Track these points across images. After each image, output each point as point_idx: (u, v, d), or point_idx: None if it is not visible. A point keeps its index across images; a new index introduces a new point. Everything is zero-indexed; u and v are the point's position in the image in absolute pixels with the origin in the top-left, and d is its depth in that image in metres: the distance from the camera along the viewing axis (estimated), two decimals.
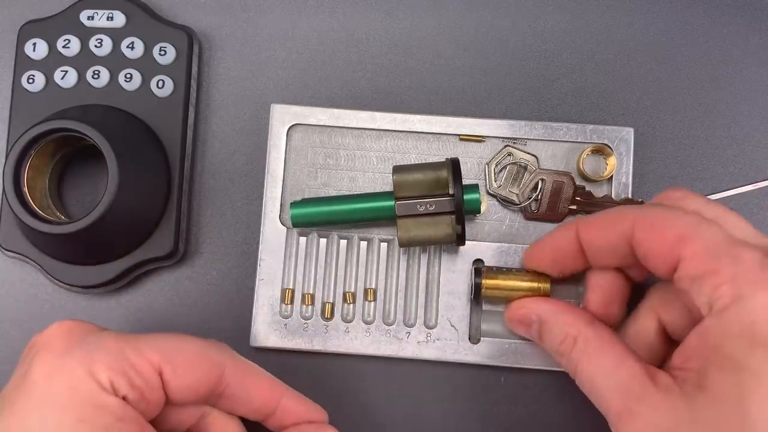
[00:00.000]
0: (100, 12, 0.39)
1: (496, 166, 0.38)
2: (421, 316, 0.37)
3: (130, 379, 0.29)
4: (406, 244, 0.36)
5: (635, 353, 0.30)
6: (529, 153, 0.38)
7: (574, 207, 0.38)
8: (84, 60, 0.39)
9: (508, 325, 0.36)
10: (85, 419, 0.28)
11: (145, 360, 0.30)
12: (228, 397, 0.32)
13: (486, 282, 0.36)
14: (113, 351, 0.30)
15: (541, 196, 0.38)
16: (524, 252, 0.36)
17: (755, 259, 0.27)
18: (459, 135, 0.38)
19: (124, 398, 0.29)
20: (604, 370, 0.30)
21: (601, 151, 0.38)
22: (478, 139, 0.38)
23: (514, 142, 0.39)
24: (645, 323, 0.33)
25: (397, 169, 0.36)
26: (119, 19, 0.39)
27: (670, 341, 0.33)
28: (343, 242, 0.38)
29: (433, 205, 0.35)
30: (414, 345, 0.37)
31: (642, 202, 0.38)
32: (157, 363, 0.30)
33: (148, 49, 0.39)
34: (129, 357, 0.30)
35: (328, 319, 0.37)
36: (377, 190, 0.38)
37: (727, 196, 0.39)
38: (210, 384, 0.31)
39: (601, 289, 0.34)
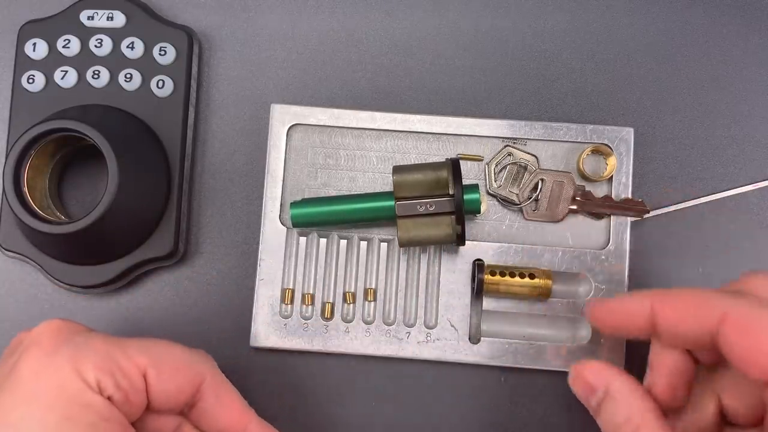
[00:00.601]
0: (100, 12, 0.39)
1: (496, 166, 0.38)
2: (421, 316, 0.37)
3: (116, 380, 0.29)
4: (406, 244, 0.36)
5: None
6: (529, 153, 0.38)
7: (574, 207, 0.38)
8: (84, 60, 0.39)
9: (570, 382, 0.33)
10: (70, 417, 0.28)
11: (132, 362, 0.30)
12: (199, 409, 0.32)
13: (488, 277, 0.36)
14: (101, 351, 0.30)
15: (541, 196, 0.38)
16: (588, 306, 0.33)
17: None
18: (458, 135, 0.39)
19: (109, 398, 0.29)
20: None
21: (601, 151, 0.38)
22: (477, 158, 0.38)
23: (514, 142, 0.39)
24: (705, 408, 0.31)
25: (397, 169, 0.36)
26: (119, 19, 0.39)
27: (724, 423, 0.32)
28: (343, 242, 0.38)
29: (433, 206, 0.35)
30: (414, 345, 0.37)
31: (642, 201, 0.38)
32: (143, 366, 0.30)
33: (148, 49, 0.39)
34: (116, 358, 0.30)
35: (328, 319, 0.37)
36: (377, 190, 0.38)
37: (727, 196, 0.39)
38: (191, 392, 0.32)
39: (669, 371, 0.31)
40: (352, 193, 0.38)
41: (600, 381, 0.31)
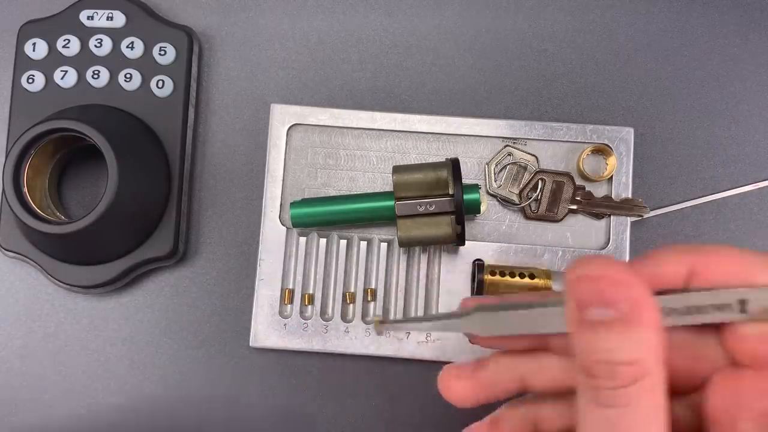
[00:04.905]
0: (100, 12, 0.39)
1: (496, 166, 0.38)
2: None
3: None
4: (406, 244, 0.36)
5: None
6: (529, 153, 0.38)
7: (574, 207, 0.38)
8: (84, 60, 0.39)
9: (570, 278, 0.23)
10: None
11: None
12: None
13: (488, 278, 0.36)
14: None
15: (541, 196, 0.38)
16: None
17: None
18: (458, 135, 0.39)
19: None
20: None
21: (601, 151, 0.38)
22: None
23: (514, 142, 0.39)
24: None
25: (397, 169, 0.36)
26: (119, 19, 0.39)
27: None
28: (343, 242, 0.38)
29: (433, 205, 0.35)
30: (414, 345, 0.37)
31: (642, 201, 0.38)
32: None
33: (148, 49, 0.39)
34: None
35: (328, 319, 0.37)
36: (377, 190, 0.38)
37: (727, 196, 0.39)
38: None
39: None
40: (352, 193, 0.38)
41: (620, 296, 0.22)
